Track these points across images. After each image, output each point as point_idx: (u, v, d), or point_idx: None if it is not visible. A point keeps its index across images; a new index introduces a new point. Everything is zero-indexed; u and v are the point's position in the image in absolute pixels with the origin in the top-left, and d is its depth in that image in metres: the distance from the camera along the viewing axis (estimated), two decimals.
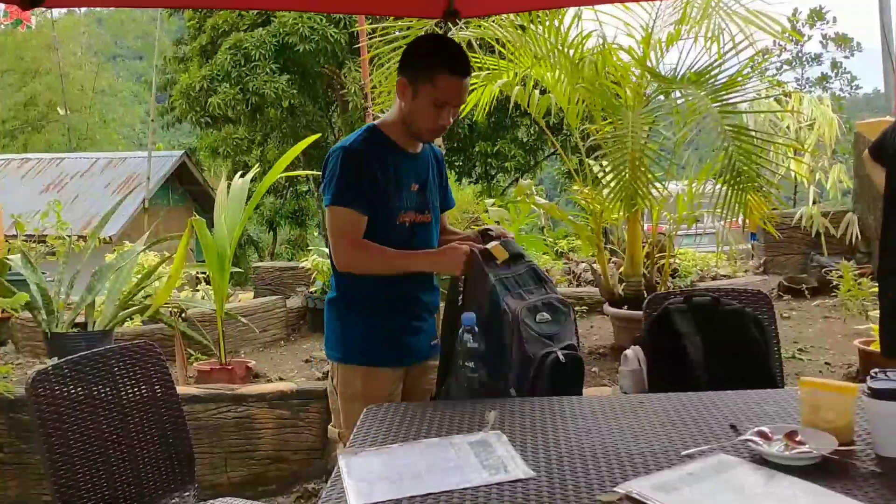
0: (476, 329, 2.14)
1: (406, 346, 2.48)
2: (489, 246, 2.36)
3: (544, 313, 2.29)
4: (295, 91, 14.50)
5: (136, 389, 2.38)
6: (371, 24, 5.28)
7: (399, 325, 2.46)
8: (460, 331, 2.16)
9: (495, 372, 2.21)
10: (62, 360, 2.27)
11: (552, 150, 16.00)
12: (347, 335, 2.48)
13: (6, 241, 6.29)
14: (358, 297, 2.45)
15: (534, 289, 2.34)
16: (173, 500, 2.40)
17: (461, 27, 4.62)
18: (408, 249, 2.42)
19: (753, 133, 4.54)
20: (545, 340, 2.24)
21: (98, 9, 32.99)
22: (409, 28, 4.67)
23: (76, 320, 5.21)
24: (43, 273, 5.34)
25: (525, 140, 15.09)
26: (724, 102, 4.39)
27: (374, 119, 4.85)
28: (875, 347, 4.25)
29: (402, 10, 3.66)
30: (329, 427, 3.79)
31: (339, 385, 2.49)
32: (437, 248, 2.51)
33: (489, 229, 2.53)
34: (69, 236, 6.16)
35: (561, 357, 2.18)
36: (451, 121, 2.40)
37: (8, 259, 5.49)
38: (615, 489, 1.49)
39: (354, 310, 2.46)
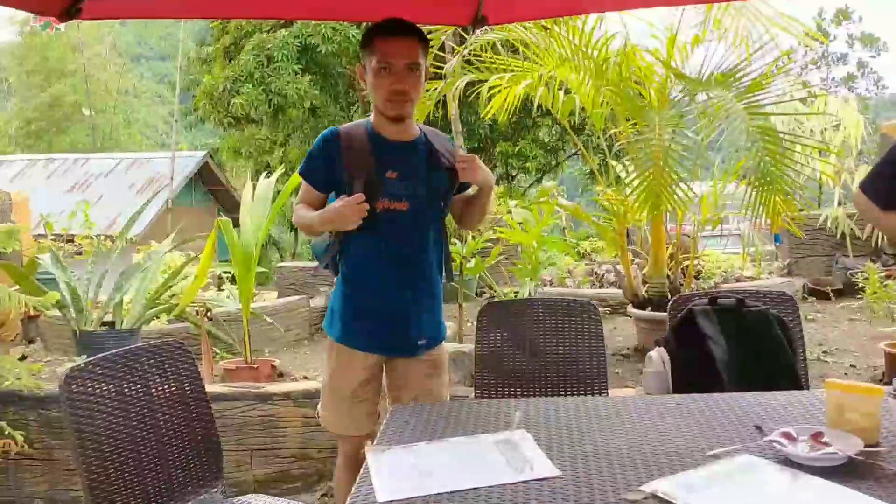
0: None
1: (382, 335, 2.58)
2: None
3: None
4: (317, 91, 14.58)
5: (165, 387, 2.42)
6: None
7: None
8: None
9: None
10: (94, 357, 2.31)
11: (574, 151, 15.95)
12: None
13: (35, 240, 6.36)
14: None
15: None
16: (201, 497, 2.43)
17: (486, 29, 4.62)
18: (380, 236, 2.47)
19: (780, 134, 4.51)
20: None
21: None
22: (430, 31, 4.68)
23: (104, 319, 5.27)
24: (71, 272, 5.41)
25: (546, 140, 15.06)
26: (750, 103, 4.37)
27: None
28: None
29: (432, 19, 3.64)
30: None
31: None
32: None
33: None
34: (97, 236, 6.24)
35: None
36: (409, 87, 2.39)
37: (38, 258, 5.56)
38: (641, 488, 1.50)
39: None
